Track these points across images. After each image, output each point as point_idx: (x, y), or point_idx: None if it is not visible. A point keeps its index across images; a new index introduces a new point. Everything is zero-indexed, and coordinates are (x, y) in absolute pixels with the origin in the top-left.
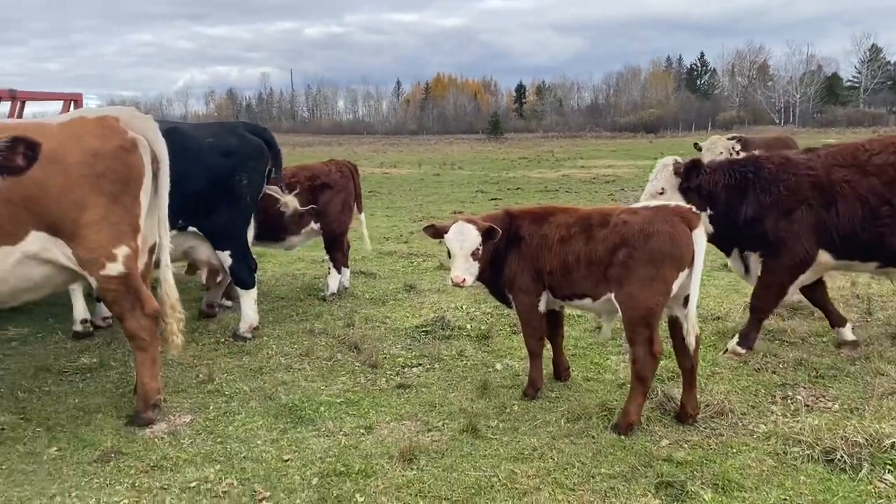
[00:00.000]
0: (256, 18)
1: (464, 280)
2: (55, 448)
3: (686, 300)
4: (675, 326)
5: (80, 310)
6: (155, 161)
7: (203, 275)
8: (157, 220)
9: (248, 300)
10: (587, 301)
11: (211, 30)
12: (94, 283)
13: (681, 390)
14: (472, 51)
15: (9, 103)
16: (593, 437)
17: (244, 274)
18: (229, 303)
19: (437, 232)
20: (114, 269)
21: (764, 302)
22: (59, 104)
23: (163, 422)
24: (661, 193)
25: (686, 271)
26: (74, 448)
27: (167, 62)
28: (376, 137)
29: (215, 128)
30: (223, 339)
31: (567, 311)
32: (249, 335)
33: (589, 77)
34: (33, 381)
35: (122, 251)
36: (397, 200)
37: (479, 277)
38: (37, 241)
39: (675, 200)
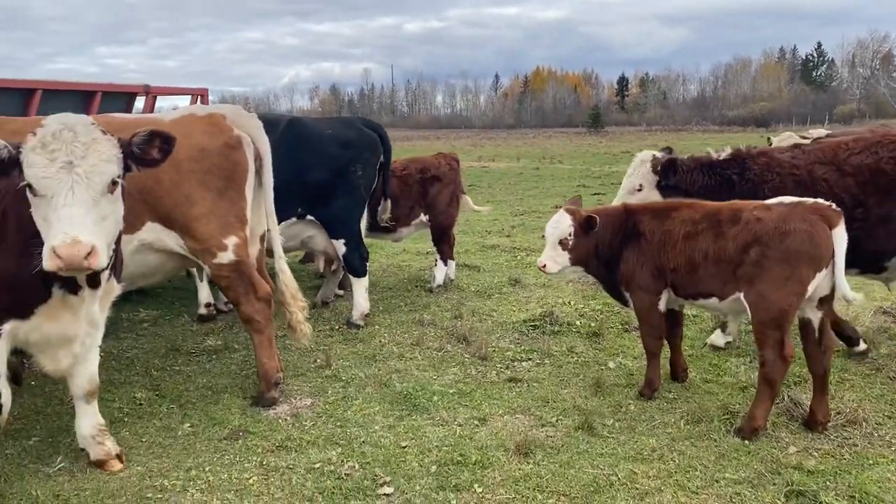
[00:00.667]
0: (359, 14)
1: (545, 266)
2: (188, 424)
3: (822, 302)
4: (807, 329)
5: (204, 294)
6: (258, 157)
7: (319, 263)
8: (263, 212)
9: (360, 288)
10: (713, 300)
11: (316, 26)
12: (207, 270)
13: (809, 396)
14: (573, 43)
15: (143, 98)
16: (715, 441)
17: (357, 262)
18: (341, 291)
19: None
20: (224, 257)
21: None
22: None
23: (285, 404)
24: (639, 190)
25: (823, 272)
26: (205, 425)
27: (274, 59)
28: (473, 131)
29: (334, 121)
30: (337, 327)
31: (686, 310)
32: (361, 322)
33: (695, 69)
34: (165, 361)
35: (231, 241)
36: (497, 194)
37: (588, 270)
38: (152, 231)
39: (653, 198)
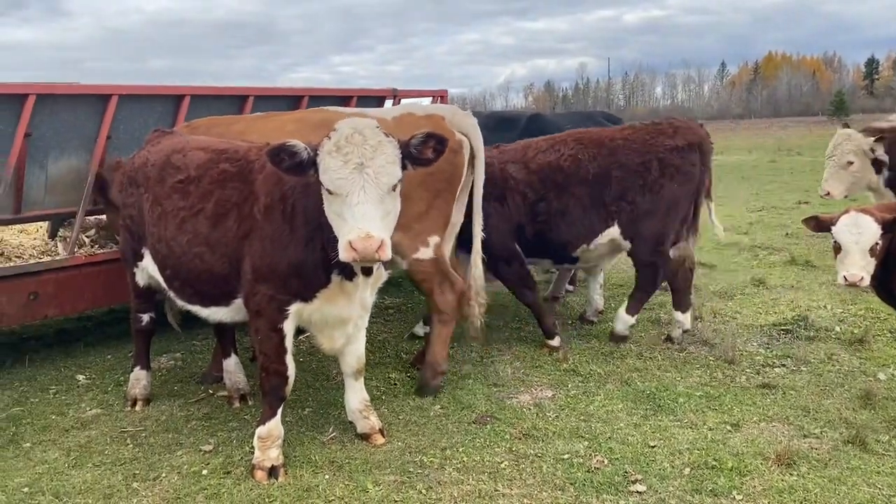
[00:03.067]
0: (576, 9)
1: (861, 279)
2: (439, 406)
3: None
4: None
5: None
6: (472, 156)
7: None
8: (464, 208)
9: (596, 285)
10: None
11: (532, 24)
12: (404, 265)
13: None
14: (811, 24)
15: (390, 100)
16: None
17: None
18: (571, 287)
19: (822, 224)
20: (425, 253)
21: None
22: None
23: (526, 393)
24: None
25: None
26: (455, 408)
27: (491, 58)
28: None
29: (574, 115)
30: (570, 322)
31: None
32: (595, 319)
33: None
34: (411, 345)
35: (433, 239)
36: (730, 188)
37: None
38: None
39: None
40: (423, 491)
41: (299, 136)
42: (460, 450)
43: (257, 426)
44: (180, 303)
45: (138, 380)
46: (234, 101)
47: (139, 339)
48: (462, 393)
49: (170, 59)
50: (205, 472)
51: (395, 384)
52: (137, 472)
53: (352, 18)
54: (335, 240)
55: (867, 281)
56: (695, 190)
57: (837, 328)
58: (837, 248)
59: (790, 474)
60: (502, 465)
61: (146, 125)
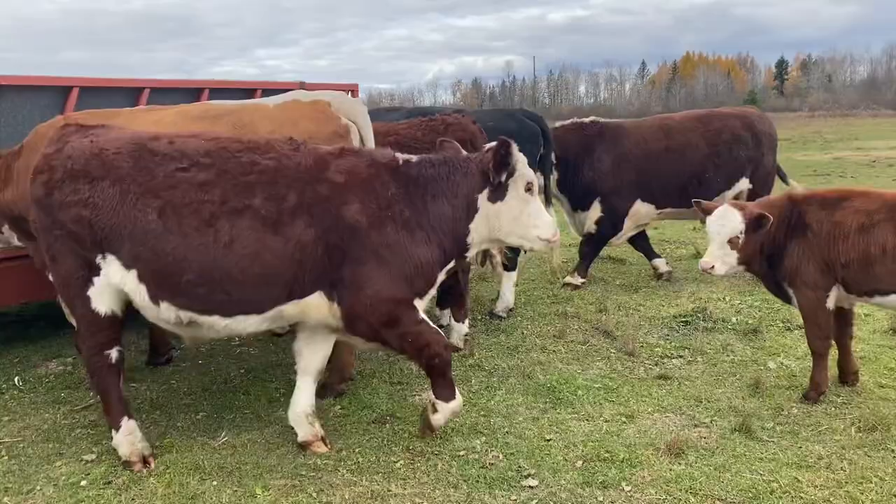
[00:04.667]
0: (504, 7)
1: (712, 267)
2: (339, 407)
3: None
4: None
5: None
6: (362, 144)
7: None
8: None
9: (509, 282)
10: (893, 297)
11: (460, 21)
12: None
13: None
14: (726, 26)
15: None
16: (893, 452)
17: (512, 256)
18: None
19: (705, 210)
20: None
21: None
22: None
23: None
24: None
25: None
26: (355, 408)
27: (419, 54)
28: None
29: (496, 113)
30: (479, 317)
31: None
32: (504, 315)
33: (865, 49)
34: None
35: None
36: None
37: (750, 269)
38: None
39: None
40: (314, 494)
41: (179, 127)
42: (356, 450)
43: (446, 401)
44: (177, 314)
45: (130, 434)
46: (129, 94)
47: (109, 383)
48: (364, 392)
49: (85, 51)
50: (84, 482)
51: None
52: (10, 485)
53: (277, 12)
54: (461, 238)
55: (719, 270)
56: None
57: (734, 319)
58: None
59: (678, 463)
60: (397, 465)
61: (31, 118)
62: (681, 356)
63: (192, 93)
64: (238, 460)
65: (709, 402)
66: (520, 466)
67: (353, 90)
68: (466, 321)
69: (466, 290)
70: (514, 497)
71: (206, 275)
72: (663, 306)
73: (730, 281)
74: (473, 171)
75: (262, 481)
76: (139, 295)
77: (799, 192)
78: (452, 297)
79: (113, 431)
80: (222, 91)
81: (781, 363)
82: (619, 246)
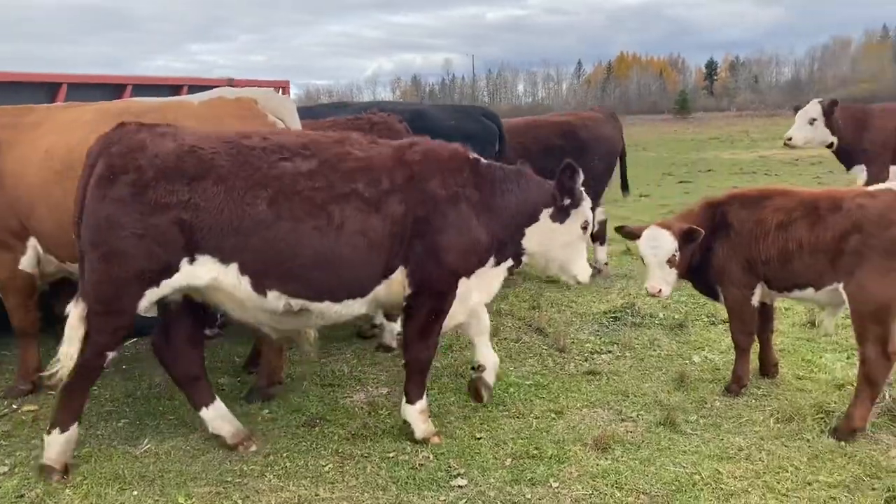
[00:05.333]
0: (442, 5)
1: (660, 290)
2: (267, 411)
3: None
4: None
5: None
6: None
7: None
8: None
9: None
10: (810, 291)
11: (399, 18)
12: None
13: None
14: (659, 27)
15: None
16: (808, 441)
17: None
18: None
19: (631, 234)
20: None
21: None
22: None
23: (361, 392)
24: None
25: None
26: (284, 412)
27: (358, 51)
28: None
29: (457, 112)
30: None
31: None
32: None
33: (790, 51)
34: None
35: None
36: None
37: (683, 277)
38: None
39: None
40: (239, 501)
41: (99, 127)
42: (284, 455)
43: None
44: (287, 302)
45: (70, 442)
46: (45, 90)
47: (87, 385)
48: (294, 395)
49: (9, 43)
50: None
51: (224, 388)
52: None
53: (212, 6)
54: (517, 239)
55: (666, 292)
56: None
57: (661, 314)
58: (643, 260)
59: (605, 458)
60: (326, 469)
61: None
62: (609, 351)
63: (113, 89)
64: (160, 468)
65: (636, 396)
66: (449, 466)
67: (284, 87)
68: (399, 320)
69: None
70: (442, 497)
71: (320, 257)
72: (594, 302)
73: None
74: (546, 188)
75: (186, 489)
76: (240, 288)
77: (716, 195)
78: None
79: (55, 431)
80: (146, 87)
81: (706, 357)
82: None
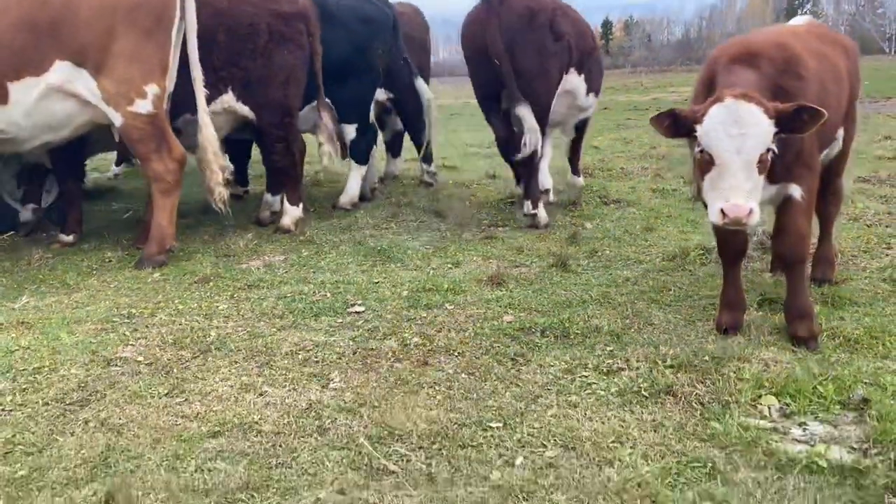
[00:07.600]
0: None
1: (750, 212)
2: (158, 274)
3: None
4: None
5: None
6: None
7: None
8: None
9: (358, 175)
10: None
11: None
12: (117, 120)
13: None
14: None
15: None
16: (690, 272)
17: (363, 149)
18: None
19: (681, 124)
20: (143, 107)
21: None
22: None
23: (257, 259)
24: None
25: None
26: (176, 274)
27: None
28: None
29: None
30: (315, 207)
31: None
32: (349, 207)
33: (680, 11)
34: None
35: (151, 90)
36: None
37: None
38: (60, 72)
39: None
40: (128, 332)
41: None
42: (176, 301)
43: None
44: None
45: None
46: None
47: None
48: (187, 263)
49: None
50: None
51: (111, 261)
52: None
53: None
54: None
55: (757, 216)
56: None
57: (558, 198)
58: (704, 163)
59: (499, 290)
60: (220, 308)
61: None
62: (507, 225)
63: None
64: (41, 316)
65: (530, 251)
66: (347, 300)
67: None
68: (300, 205)
69: (301, 174)
70: (339, 320)
71: None
72: (492, 194)
73: (552, 168)
74: None
75: (68, 328)
76: None
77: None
78: (287, 180)
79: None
80: None
81: (597, 225)
82: None
